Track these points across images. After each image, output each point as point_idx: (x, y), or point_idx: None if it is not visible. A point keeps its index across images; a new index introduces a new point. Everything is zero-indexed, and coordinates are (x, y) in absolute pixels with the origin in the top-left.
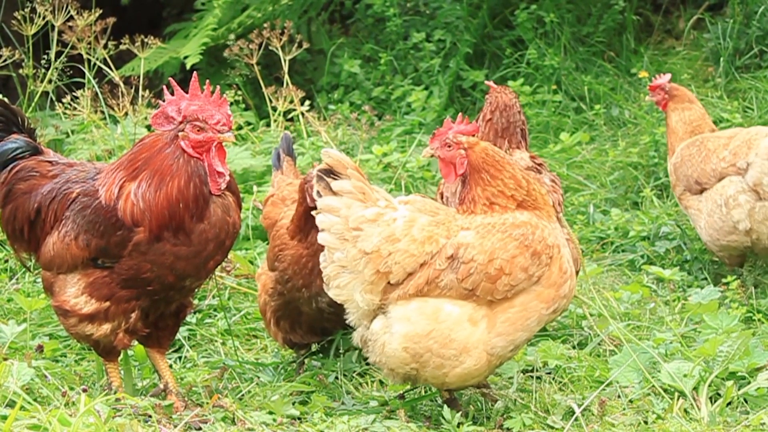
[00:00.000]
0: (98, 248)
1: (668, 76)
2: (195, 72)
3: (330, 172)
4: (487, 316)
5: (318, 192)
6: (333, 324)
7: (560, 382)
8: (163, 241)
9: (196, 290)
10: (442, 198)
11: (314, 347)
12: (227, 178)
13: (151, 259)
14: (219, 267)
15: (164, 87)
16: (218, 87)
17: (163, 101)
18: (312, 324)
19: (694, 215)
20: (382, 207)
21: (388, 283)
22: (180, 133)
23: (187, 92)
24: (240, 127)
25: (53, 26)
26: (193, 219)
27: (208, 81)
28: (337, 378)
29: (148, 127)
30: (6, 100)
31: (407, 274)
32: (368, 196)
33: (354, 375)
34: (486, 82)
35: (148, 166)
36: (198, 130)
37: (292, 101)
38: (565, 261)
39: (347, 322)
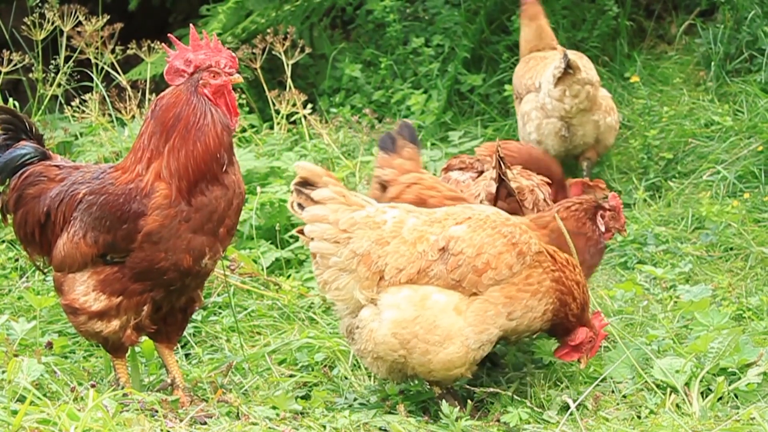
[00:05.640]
0: (106, 244)
1: None
2: (192, 24)
3: (306, 184)
4: (468, 306)
5: (299, 204)
6: None
7: (555, 378)
8: (195, 196)
9: (209, 276)
10: None
11: None
12: (239, 115)
13: (165, 247)
14: (224, 267)
15: (164, 45)
16: (215, 34)
17: (168, 57)
18: None
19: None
20: (372, 211)
21: (382, 278)
22: (200, 82)
23: (187, 45)
24: (244, 130)
25: (62, 31)
26: (223, 167)
27: (204, 31)
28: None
29: None
30: (16, 104)
31: (400, 270)
32: (348, 199)
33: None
34: None
35: (180, 122)
36: (214, 76)
37: (294, 104)
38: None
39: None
